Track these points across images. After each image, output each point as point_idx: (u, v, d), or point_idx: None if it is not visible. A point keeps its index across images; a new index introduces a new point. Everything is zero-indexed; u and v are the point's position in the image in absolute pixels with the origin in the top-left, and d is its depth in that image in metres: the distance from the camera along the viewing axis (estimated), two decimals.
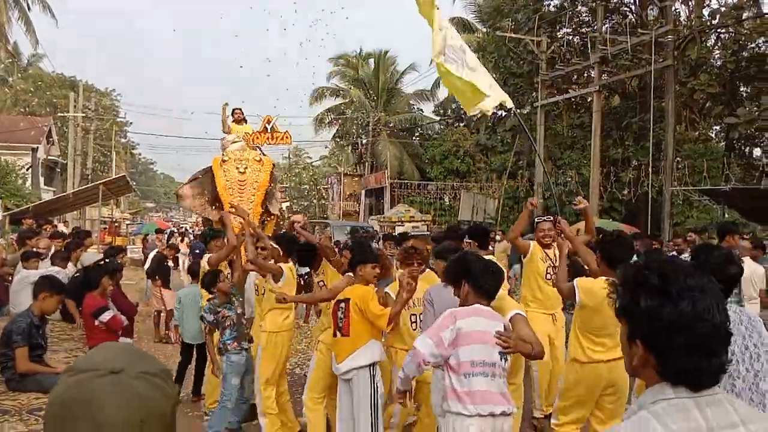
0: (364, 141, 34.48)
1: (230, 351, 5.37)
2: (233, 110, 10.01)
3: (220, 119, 9.82)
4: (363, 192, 31.63)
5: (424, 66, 35.55)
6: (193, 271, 7.34)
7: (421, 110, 36.14)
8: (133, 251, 24.31)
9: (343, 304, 4.47)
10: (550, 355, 5.35)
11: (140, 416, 0.96)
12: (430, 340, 3.27)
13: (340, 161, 38.87)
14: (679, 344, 1.29)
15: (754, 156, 22.75)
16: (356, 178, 33.89)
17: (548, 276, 5.65)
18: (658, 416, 1.27)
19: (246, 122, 10.13)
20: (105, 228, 27.13)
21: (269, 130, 9.35)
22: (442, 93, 34.21)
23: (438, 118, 34.40)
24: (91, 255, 7.78)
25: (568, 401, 4.36)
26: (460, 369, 3.20)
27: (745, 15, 17.28)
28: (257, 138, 9.30)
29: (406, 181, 29.71)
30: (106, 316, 5.68)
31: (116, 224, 28.87)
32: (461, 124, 32.88)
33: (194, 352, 6.80)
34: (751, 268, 6.50)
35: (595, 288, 4.07)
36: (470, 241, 6.02)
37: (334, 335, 4.51)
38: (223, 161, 9.06)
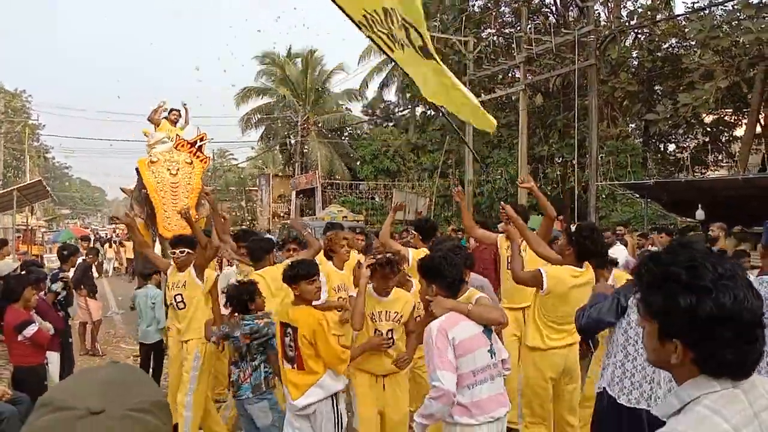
0: (293, 141, 34.06)
1: (268, 389, 4.40)
2: (170, 110, 9.64)
3: (150, 110, 9.48)
4: (293, 193, 31.23)
5: (352, 66, 35.53)
6: (143, 274, 7.56)
7: (350, 110, 36.07)
8: (50, 260, 23.06)
9: (290, 331, 3.81)
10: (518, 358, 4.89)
11: None
12: (448, 373, 3.00)
13: (268, 162, 38.28)
14: (723, 337, 1.25)
15: (668, 151, 23.95)
16: (286, 179, 33.44)
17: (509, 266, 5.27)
18: (715, 411, 1.24)
19: (180, 126, 9.80)
20: (19, 236, 25.61)
21: (197, 147, 9.00)
22: (370, 92, 34.30)
23: (367, 118, 34.44)
24: (5, 264, 7.24)
25: (529, 396, 4.35)
26: (463, 381, 3.05)
27: (658, 17, 18.12)
28: (182, 146, 8.94)
29: (337, 182, 29.57)
30: (29, 331, 5.31)
31: (32, 232, 27.31)
32: (390, 124, 33.05)
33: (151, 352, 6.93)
34: None
35: (563, 276, 4.03)
36: (414, 233, 6.00)
37: (284, 364, 3.88)
38: (152, 162, 8.67)
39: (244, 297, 4.44)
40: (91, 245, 13.92)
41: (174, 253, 5.22)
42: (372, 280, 4.03)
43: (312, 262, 4.20)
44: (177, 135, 9.20)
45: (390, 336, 4.04)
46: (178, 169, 8.64)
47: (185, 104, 10.08)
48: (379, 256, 4.14)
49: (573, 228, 4.53)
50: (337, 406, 3.86)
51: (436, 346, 3.05)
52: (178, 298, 5.15)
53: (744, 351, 1.26)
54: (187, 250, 5.19)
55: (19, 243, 23.07)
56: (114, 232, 32.93)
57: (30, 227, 27.44)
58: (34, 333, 5.32)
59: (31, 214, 30.45)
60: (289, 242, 6.09)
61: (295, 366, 3.80)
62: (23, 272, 6.32)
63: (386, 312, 4.05)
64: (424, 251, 4.88)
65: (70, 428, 0.85)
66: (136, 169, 8.96)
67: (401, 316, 4.08)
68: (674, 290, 1.29)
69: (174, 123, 9.49)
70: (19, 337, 5.30)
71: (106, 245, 16.19)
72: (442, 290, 3.26)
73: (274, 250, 5.96)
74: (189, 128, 9.68)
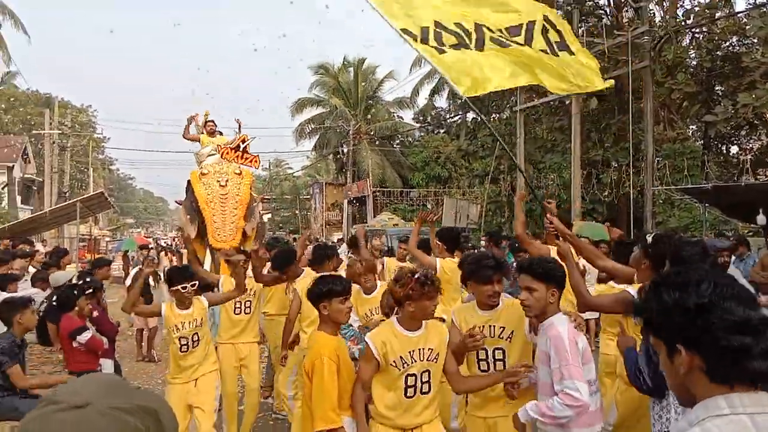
0: (345, 150, 34.41)
1: None
2: (206, 122, 9.82)
3: (187, 125, 9.69)
4: (345, 201, 31.51)
5: (403, 74, 35.65)
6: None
7: (401, 117, 36.21)
8: (114, 269, 23.94)
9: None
10: None
11: None
12: (585, 384, 2.93)
13: (321, 171, 38.77)
14: (716, 324, 1.26)
15: (730, 154, 23.02)
16: (338, 187, 33.80)
17: None
18: None
19: (221, 134, 9.94)
20: (84, 245, 26.70)
21: (241, 149, 9.12)
22: (421, 100, 34.32)
23: (418, 125, 34.46)
24: (61, 274, 7.58)
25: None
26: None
27: (718, 14, 17.49)
28: (227, 154, 9.08)
29: (388, 189, 29.67)
30: (84, 337, 5.52)
31: (95, 241, 28.46)
32: (441, 131, 32.98)
33: None
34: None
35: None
36: (439, 243, 5.95)
37: None
38: (203, 174, 8.87)
39: None
40: (149, 254, 14.37)
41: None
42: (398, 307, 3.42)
43: (344, 278, 3.90)
44: (219, 145, 9.36)
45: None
46: (227, 180, 8.80)
47: (238, 120, 10.23)
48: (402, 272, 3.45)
49: (649, 238, 4.27)
50: None
51: (570, 353, 2.96)
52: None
53: (747, 341, 1.24)
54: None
55: (84, 252, 24.07)
56: (174, 240, 33.94)
57: (94, 237, 28.59)
58: (88, 339, 5.54)
59: (94, 224, 31.70)
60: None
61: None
62: (79, 282, 6.58)
63: (419, 351, 3.29)
64: (450, 261, 4.80)
65: (48, 419, 0.89)
66: (188, 181, 9.18)
67: (437, 355, 3.34)
68: (660, 291, 1.35)
69: (212, 135, 9.66)
70: (74, 344, 5.52)
71: (161, 253, 16.64)
72: (560, 291, 3.20)
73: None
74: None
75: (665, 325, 1.34)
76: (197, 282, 5.12)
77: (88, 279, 6.65)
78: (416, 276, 3.24)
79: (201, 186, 8.80)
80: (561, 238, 4.23)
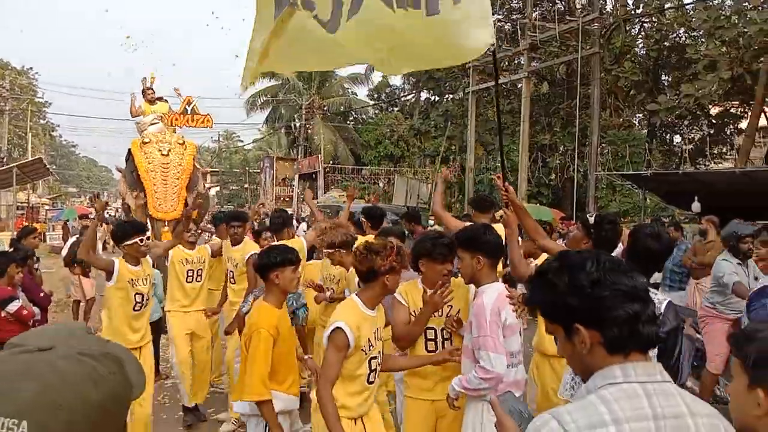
0: (297, 124, 34.04)
1: None
2: (143, 90, 9.50)
3: (131, 102, 9.32)
4: (296, 176, 31.25)
5: None
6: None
7: (355, 94, 35.99)
8: (53, 238, 23.24)
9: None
10: None
11: (57, 398, 0.83)
12: (501, 357, 2.95)
13: (273, 145, 38.26)
14: (605, 295, 1.32)
15: (674, 143, 23.77)
16: (289, 162, 33.46)
17: None
18: (606, 401, 1.28)
19: (162, 99, 9.63)
20: (22, 214, 25.77)
21: (189, 112, 8.91)
22: (376, 76, 34.16)
23: (372, 102, 34.32)
24: None
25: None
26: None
27: (666, 5, 17.91)
28: (177, 120, 8.87)
29: (339, 166, 29.55)
30: (13, 307, 5.34)
31: (34, 210, 27.48)
32: (395, 109, 32.94)
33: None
34: None
35: None
36: (365, 220, 6.03)
37: None
38: (144, 143, 8.64)
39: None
40: (85, 224, 13.96)
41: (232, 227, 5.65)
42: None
43: (292, 248, 3.75)
44: (164, 114, 9.12)
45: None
46: (169, 150, 8.60)
47: (177, 88, 9.96)
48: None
49: (590, 219, 4.38)
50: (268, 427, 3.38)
51: (489, 326, 2.96)
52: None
53: (636, 307, 1.31)
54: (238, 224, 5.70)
55: (22, 220, 23.25)
56: (117, 211, 33.07)
57: (32, 205, 27.61)
58: (17, 309, 5.36)
59: (32, 191, 30.60)
60: (265, 230, 6.19)
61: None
62: (11, 249, 6.35)
63: (377, 330, 3.28)
64: (370, 238, 4.79)
65: (11, 360, 0.87)
66: (129, 150, 8.94)
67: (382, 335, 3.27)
68: (549, 279, 1.39)
69: (152, 103, 9.37)
70: (2, 313, 5.34)
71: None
72: (488, 259, 3.15)
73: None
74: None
75: (562, 308, 1.38)
76: (149, 234, 5.07)
77: (17, 246, 6.43)
78: (396, 246, 3.13)
79: (142, 155, 8.58)
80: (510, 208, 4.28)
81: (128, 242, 4.76)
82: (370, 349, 3.06)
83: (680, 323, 2.81)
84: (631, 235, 3.04)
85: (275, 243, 4.60)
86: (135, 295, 4.77)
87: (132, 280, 4.75)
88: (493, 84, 20.46)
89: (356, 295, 3.14)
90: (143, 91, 9.49)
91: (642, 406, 1.27)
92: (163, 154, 8.55)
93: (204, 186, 9.76)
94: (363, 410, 3.12)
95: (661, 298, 2.79)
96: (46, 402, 0.82)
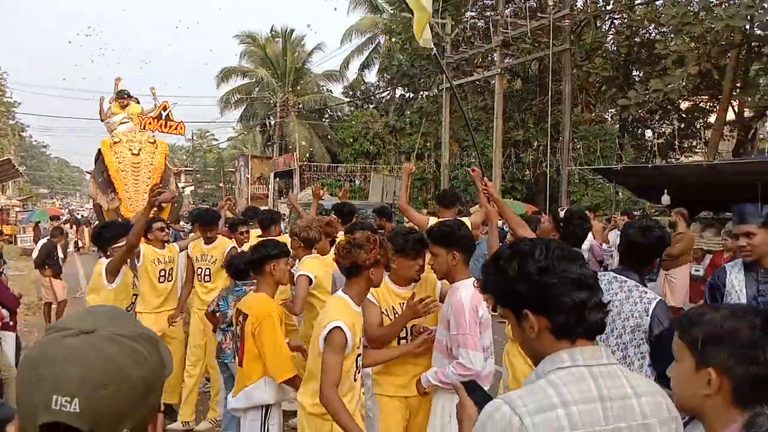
0: (272, 122, 33.84)
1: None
2: (119, 92, 9.39)
3: (100, 105, 9.18)
4: (272, 174, 31.07)
5: (331, 46, 35.23)
6: None
7: (330, 91, 35.86)
8: (24, 240, 22.83)
9: (241, 319, 3.49)
10: None
11: (103, 378, 0.92)
12: (479, 353, 2.98)
13: (248, 143, 37.99)
14: (553, 283, 1.37)
15: (646, 137, 24.12)
16: (265, 160, 33.25)
17: None
18: (554, 385, 1.33)
19: (136, 100, 9.55)
20: None
21: (163, 117, 8.85)
22: (351, 74, 34.10)
23: (347, 100, 34.25)
24: None
25: None
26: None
27: (637, 1, 18.15)
28: (150, 123, 8.81)
29: (315, 164, 29.45)
30: None
31: (4, 211, 26.97)
32: (371, 106, 32.91)
33: None
34: None
35: None
36: (335, 217, 6.11)
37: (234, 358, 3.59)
38: (114, 143, 8.54)
39: (240, 263, 4.52)
40: (57, 225, 13.76)
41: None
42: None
43: (284, 242, 3.99)
44: (137, 114, 9.03)
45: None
46: (140, 149, 8.52)
47: (153, 88, 9.88)
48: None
49: (561, 213, 4.49)
50: (266, 420, 3.47)
51: (469, 324, 2.98)
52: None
53: (582, 296, 1.36)
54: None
55: None
56: (91, 212, 32.61)
57: (2, 206, 27.11)
58: None
59: (1, 193, 30.06)
60: (240, 224, 6.21)
61: (239, 361, 3.50)
62: None
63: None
64: (341, 235, 4.85)
65: (56, 344, 0.94)
66: (98, 150, 8.83)
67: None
68: (501, 265, 1.44)
69: (124, 108, 9.25)
70: None
71: (66, 225, 15.99)
72: (463, 254, 3.17)
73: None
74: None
75: (511, 294, 1.43)
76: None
77: None
78: (379, 239, 3.08)
79: (112, 155, 8.49)
80: (490, 202, 4.42)
81: (117, 245, 4.76)
82: (359, 347, 3.02)
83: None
84: (623, 230, 3.11)
85: (267, 238, 4.62)
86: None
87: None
88: (467, 80, 20.59)
89: (342, 291, 3.06)
90: (119, 93, 9.31)
91: (589, 388, 1.33)
92: (133, 154, 8.46)
93: (176, 185, 9.68)
94: (350, 409, 3.04)
95: (651, 297, 2.80)
96: (93, 381, 0.91)
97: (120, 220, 8.41)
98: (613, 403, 1.33)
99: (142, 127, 8.90)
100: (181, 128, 9.30)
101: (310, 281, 4.50)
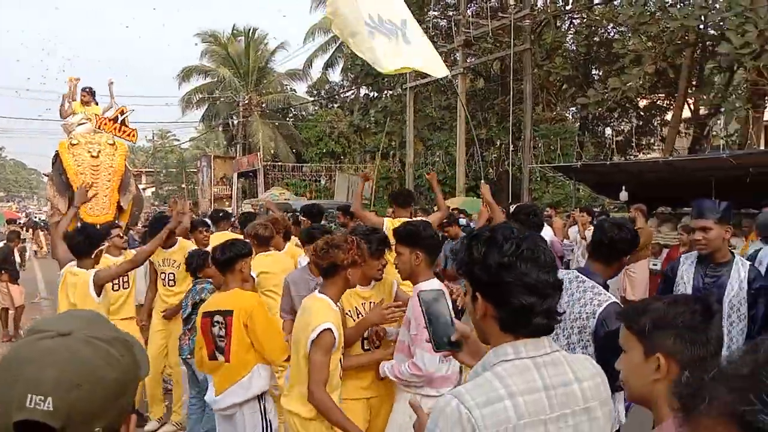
0: (235, 122, 33.50)
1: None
2: (82, 90, 9.16)
3: (60, 102, 8.95)
4: (235, 175, 30.78)
5: (294, 44, 35.01)
6: None
7: (294, 90, 35.67)
8: None
9: (219, 319, 3.52)
10: None
11: (77, 379, 0.95)
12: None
13: (211, 144, 37.54)
14: (509, 282, 1.39)
15: (606, 135, 24.59)
16: (227, 161, 32.92)
17: None
18: (500, 377, 1.37)
19: (96, 104, 9.33)
20: None
21: (119, 121, 8.73)
22: (315, 73, 33.94)
23: (311, 99, 34.09)
24: None
25: None
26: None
27: (596, 1, 18.49)
28: (104, 125, 8.67)
29: (280, 163, 29.27)
30: None
31: None
32: (335, 105, 32.84)
33: None
34: None
35: None
36: (304, 219, 6.22)
37: (211, 357, 3.57)
38: (72, 144, 8.35)
39: (194, 263, 4.75)
40: (13, 229, 13.43)
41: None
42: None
43: (247, 241, 4.29)
44: (96, 115, 8.85)
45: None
46: (99, 151, 8.33)
47: (111, 81, 9.65)
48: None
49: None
50: (264, 408, 3.54)
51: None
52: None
53: (530, 302, 1.39)
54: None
55: None
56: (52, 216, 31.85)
57: None
58: None
59: None
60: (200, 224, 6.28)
61: (225, 358, 3.51)
62: None
63: (371, 304, 3.43)
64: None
65: (33, 346, 0.98)
66: (56, 152, 8.63)
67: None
68: (472, 245, 1.46)
69: (88, 103, 9.05)
70: None
71: (23, 230, 15.62)
72: (427, 255, 3.16)
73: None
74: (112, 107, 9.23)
75: (470, 274, 1.47)
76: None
77: None
78: (356, 239, 3.11)
79: (70, 157, 8.29)
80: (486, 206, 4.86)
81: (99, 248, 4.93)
82: (342, 347, 3.07)
83: None
84: (597, 225, 3.17)
85: (236, 237, 4.67)
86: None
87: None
88: (430, 80, 20.69)
89: (320, 292, 3.07)
90: (84, 88, 9.04)
91: (533, 378, 1.38)
92: (92, 156, 8.27)
93: (137, 187, 9.52)
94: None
95: (602, 300, 2.76)
96: (67, 382, 0.94)
97: (79, 224, 8.27)
98: (556, 390, 1.39)
99: (97, 127, 8.73)
100: (133, 135, 9.23)
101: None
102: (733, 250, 3.70)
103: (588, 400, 1.44)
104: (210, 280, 4.58)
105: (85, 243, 4.64)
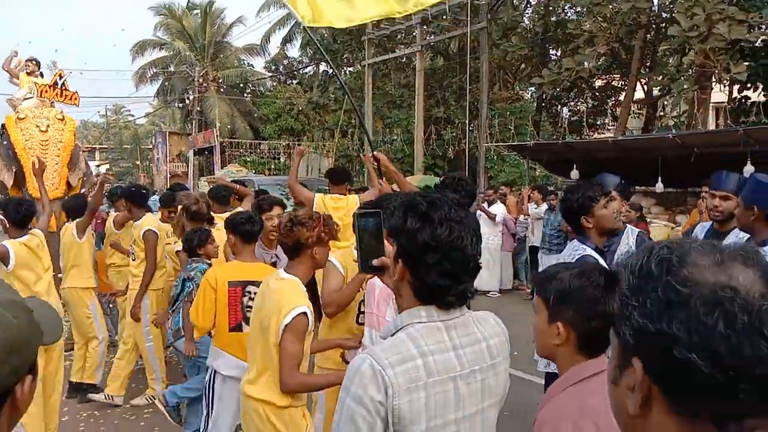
0: (191, 97, 32.86)
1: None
2: (27, 60, 8.92)
3: (3, 68, 8.74)
4: (191, 152, 30.29)
5: (251, 19, 34.36)
6: None
7: (252, 66, 35.07)
8: None
9: (254, 288, 3.43)
10: None
11: None
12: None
13: (166, 120, 36.78)
14: (431, 264, 1.45)
15: (562, 115, 24.96)
16: (183, 137, 32.32)
17: None
18: (413, 338, 1.45)
19: (42, 76, 9.11)
20: None
21: (59, 86, 8.56)
22: (273, 48, 33.45)
23: (269, 74, 33.62)
24: None
25: None
26: None
27: None
28: (45, 92, 8.50)
29: (237, 140, 28.89)
30: None
31: None
32: (294, 82, 32.47)
33: None
34: None
35: None
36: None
37: (234, 329, 3.50)
38: (19, 119, 8.16)
39: (193, 242, 4.58)
40: None
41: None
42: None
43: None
44: (36, 84, 8.64)
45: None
46: (48, 126, 8.17)
47: (55, 62, 9.51)
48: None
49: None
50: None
51: (378, 302, 2.94)
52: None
53: (447, 283, 1.47)
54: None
55: None
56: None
57: None
58: None
59: None
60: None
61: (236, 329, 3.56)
62: None
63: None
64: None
65: None
66: (2, 125, 8.41)
67: None
68: (407, 216, 1.49)
69: (31, 74, 8.83)
70: None
71: None
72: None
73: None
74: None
75: (397, 240, 1.52)
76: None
77: None
78: (323, 216, 2.97)
79: (18, 131, 8.12)
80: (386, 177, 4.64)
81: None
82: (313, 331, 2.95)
83: None
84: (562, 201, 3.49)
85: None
86: None
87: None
88: (388, 57, 20.66)
89: (286, 272, 2.91)
90: (27, 62, 8.77)
91: (443, 339, 1.48)
92: (41, 131, 8.11)
93: (86, 163, 9.35)
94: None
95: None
96: None
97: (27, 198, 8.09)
98: (465, 350, 1.50)
99: (39, 94, 8.56)
100: (75, 98, 9.04)
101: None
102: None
103: (494, 357, 1.56)
104: (209, 261, 4.55)
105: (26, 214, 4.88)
